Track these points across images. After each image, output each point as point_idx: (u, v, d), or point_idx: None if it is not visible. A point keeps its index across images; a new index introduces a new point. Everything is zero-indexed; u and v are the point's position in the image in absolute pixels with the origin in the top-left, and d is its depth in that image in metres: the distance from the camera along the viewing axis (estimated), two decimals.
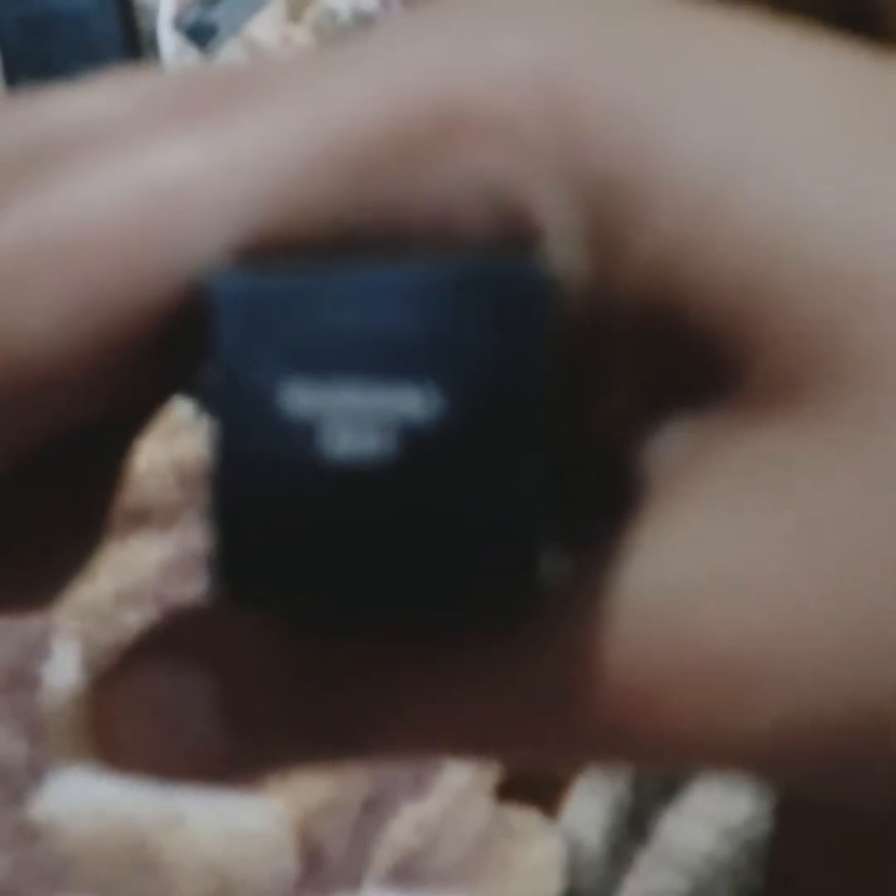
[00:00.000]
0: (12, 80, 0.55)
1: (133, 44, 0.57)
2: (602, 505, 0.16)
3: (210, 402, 0.15)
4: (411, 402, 0.15)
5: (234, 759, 0.17)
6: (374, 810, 0.48)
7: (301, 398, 0.15)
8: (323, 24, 0.60)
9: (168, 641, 0.17)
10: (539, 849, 0.49)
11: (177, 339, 0.15)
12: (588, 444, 0.16)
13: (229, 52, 0.59)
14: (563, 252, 0.15)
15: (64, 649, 0.48)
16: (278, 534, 0.15)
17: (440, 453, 0.15)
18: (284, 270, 0.15)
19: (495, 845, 0.49)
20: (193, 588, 0.49)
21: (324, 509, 0.15)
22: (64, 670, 0.48)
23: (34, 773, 0.47)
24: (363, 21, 0.60)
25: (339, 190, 0.15)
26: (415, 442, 0.15)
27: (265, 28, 0.59)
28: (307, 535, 0.15)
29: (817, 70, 0.16)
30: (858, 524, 0.15)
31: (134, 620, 0.48)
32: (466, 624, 0.16)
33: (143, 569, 0.49)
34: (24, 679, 0.48)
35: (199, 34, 0.59)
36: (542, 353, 0.15)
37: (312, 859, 0.48)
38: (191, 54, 0.58)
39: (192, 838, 0.47)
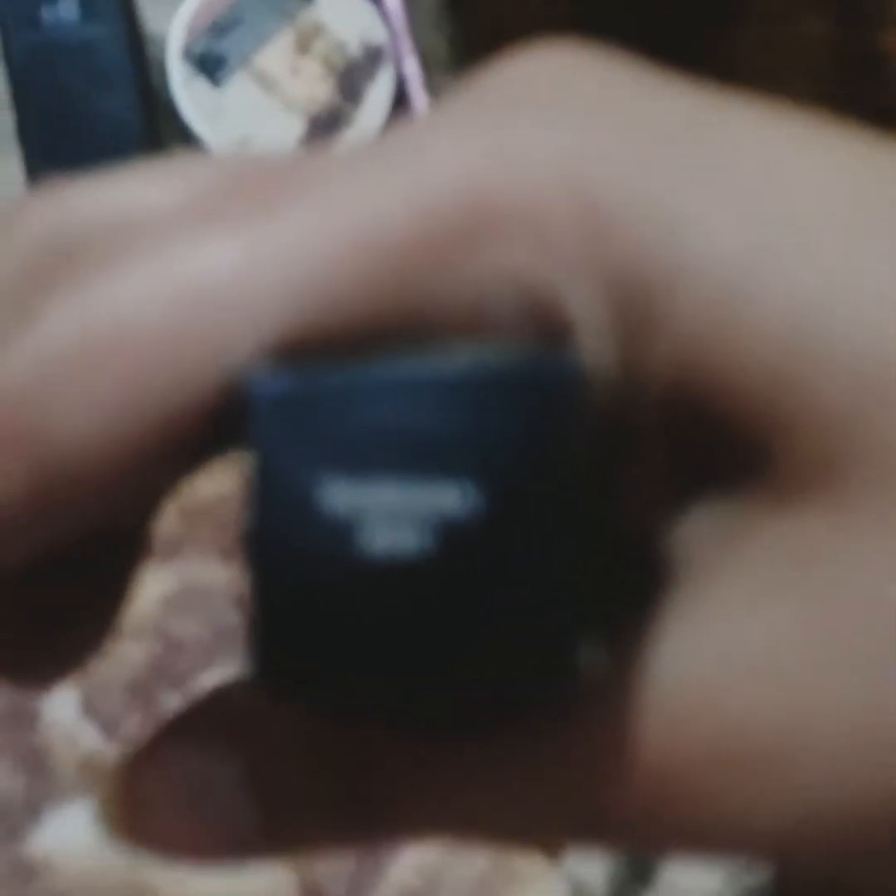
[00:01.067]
0: (21, 108, 0.55)
1: (142, 73, 0.57)
2: (631, 590, 0.16)
3: (248, 497, 0.15)
4: (448, 498, 0.15)
5: (261, 841, 0.17)
6: (374, 853, 0.47)
7: (339, 496, 0.15)
8: (332, 56, 0.60)
9: (198, 723, 0.17)
10: (541, 892, 0.49)
11: (212, 429, 0.15)
12: (617, 530, 0.16)
13: (238, 82, 0.59)
14: (593, 345, 0.15)
15: (63, 684, 0.47)
16: (316, 629, 0.15)
17: (477, 548, 0.15)
18: (320, 370, 0.15)
19: (497, 889, 0.48)
20: (195, 622, 0.49)
21: (361, 605, 0.15)
22: (63, 705, 0.48)
23: (31, 810, 0.47)
24: (372, 54, 0.60)
25: (372, 289, 0.15)
26: (452, 537, 0.15)
27: (274, 59, 0.59)
28: (345, 631, 0.15)
29: (837, 158, 0.16)
30: (886, 613, 0.15)
31: (134, 654, 0.48)
32: (500, 713, 0.16)
33: (144, 602, 0.48)
34: (22, 714, 0.47)
35: (208, 64, 0.59)
36: (575, 446, 0.15)
37: None
38: (199, 84, 0.58)
39: (190, 878, 0.46)
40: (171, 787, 0.17)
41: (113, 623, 0.19)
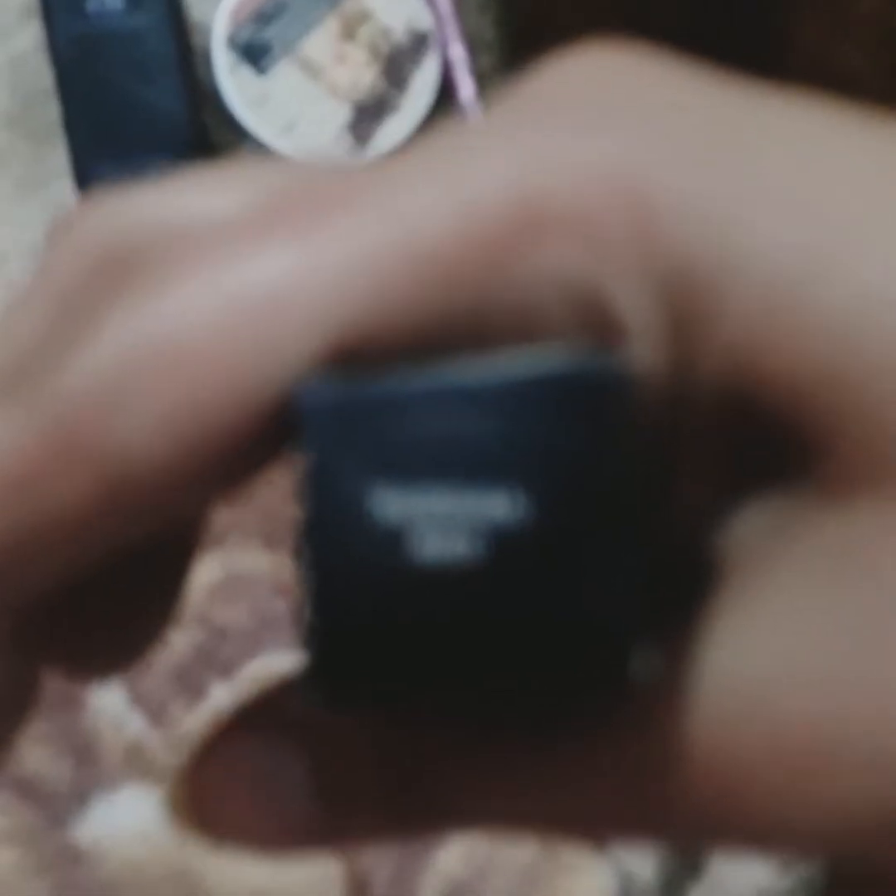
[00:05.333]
0: (67, 98, 0.55)
1: (187, 62, 0.57)
2: (684, 590, 0.16)
3: (300, 505, 0.15)
4: (499, 505, 0.15)
5: (324, 831, 0.17)
6: (421, 841, 0.47)
7: (390, 504, 0.15)
8: (377, 42, 0.60)
9: (263, 716, 0.18)
10: (590, 882, 0.48)
11: (270, 436, 0.16)
12: (670, 529, 0.16)
13: (283, 70, 0.59)
14: (644, 345, 0.15)
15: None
16: (371, 637, 0.15)
17: (530, 553, 0.15)
18: (371, 378, 0.15)
19: (545, 878, 0.48)
20: (239, 610, 0.49)
21: (415, 612, 0.15)
22: (109, 693, 0.48)
23: (78, 796, 0.47)
24: (418, 39, 0.60)
25: (424, 298, 0.15)
26: (504, 544, 0.15)
27: (319, 46, 0.59)
28: (399, 638, 0.15)
29: (884, 153, 0.16)
30: None
31: (179, 642, 0.48)
32: (557, 713, 0.16)
33: (189, 590, 0.48)
34: (69, 702, 0.48)
35: (253, 52, 0.59)
36: (625, 449, 0.15)
37: (359, 889, 0.47)
38: (245, 72, 0.58)
39: (237, 866, 0.46)
40: (237, 778, 0.17)
41: (169, 616, 0.19)
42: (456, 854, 0.48)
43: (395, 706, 0.16)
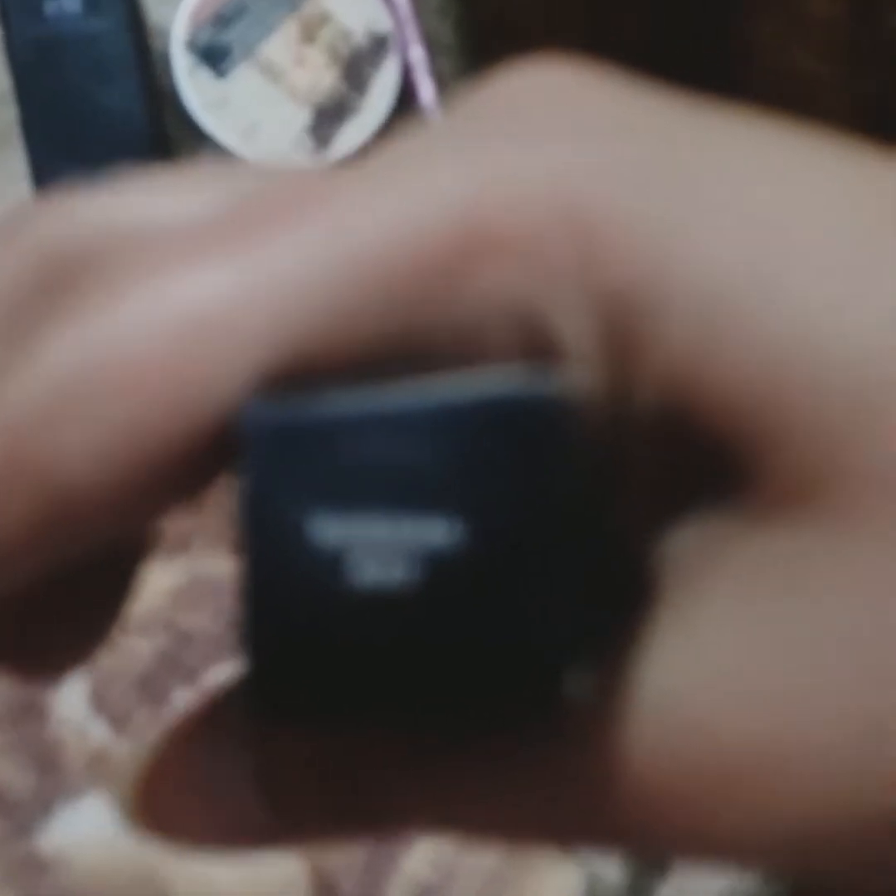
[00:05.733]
0: (25, 101, 0.55)
1: (146, 66, 0.56)
2: (620, 606, 0.16)
3: (239, 527, 0.15)
4: (437, 531, 0.15)
5: (268, 831, 0.18)
6: (387, 845, 0.47)
7: (328, 528, 0.15)
8: (337, 44, 0.60)
9: (210, 722, 0.18)
10: (556, 883, 0.48)
11: (208, 456, 0.16)
12: (608, 548, 0.16)
13: (242, 73, 0.59)
14: (583, 367, 0.15)
15: (72, 678, 0.47)
16: (307, 657, 0.15)
17: (467, 579, 0.15)
18: (313, 400, 0.15)
19: (512, 880, 0.48)
20: (204, 615, 0.48)
21: (352, 635, 0.15)
22: (72, 700, 0.48)
23: (42, 805, 0.46)
24: (378, 42, 0.60)
25: (367, 315, 0.15)
26: (441, 569, 0.15)
27: (279, 49, 0.59)
28: (335, 659, 0.15)
29: (832, 177, 0.16)
30: (866, 631, 0.15)
31: (143, 648, 0.48)
32: (494, 727, 0.16)
33: (153, 596, 0.48)
34: (31, 710, 0.47)
35: (212, 55, 0.58)
36: (565, 472, 0.15)
37: (326, 892, 0.47)
38: (204, 75, 0.58)
39: (203, 872, 0.46)
40: (185, 780, 0.18)
41: (117, 616, 0.19)
42: (423, 856, 0.48)
43: (332, 721, 0.16)
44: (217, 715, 0.18)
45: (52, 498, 0.15)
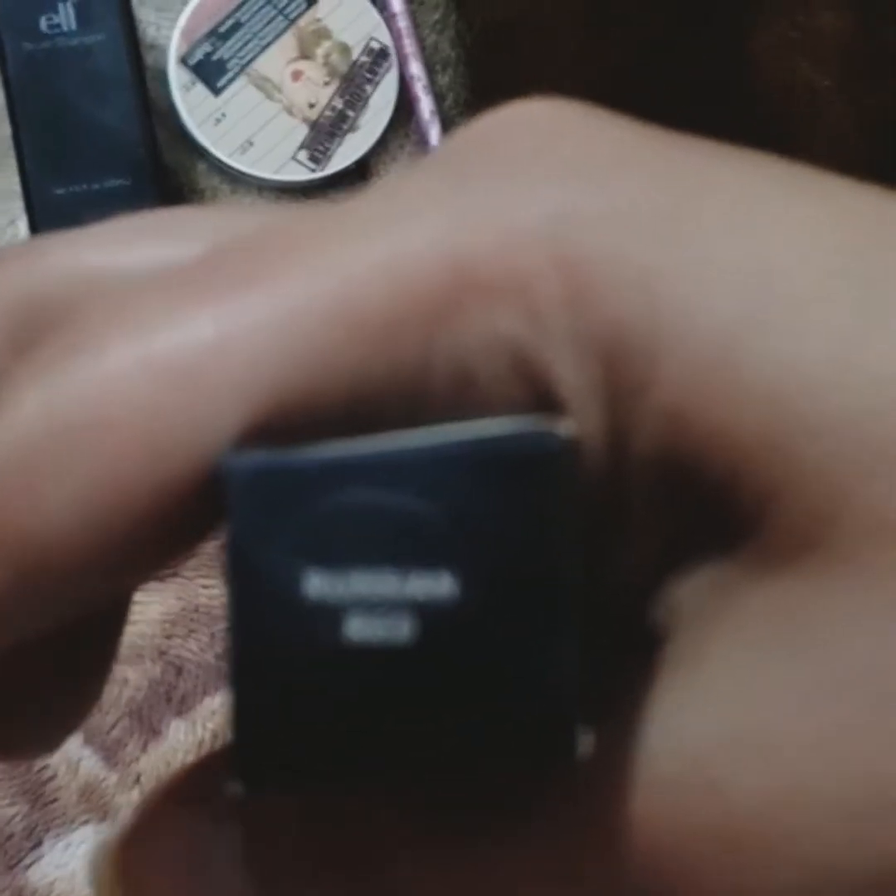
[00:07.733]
0: (19, 117, 0.54)
1: (141, 82, 0.56)
2: (625, 659, 0.16)
3: (226, 580, 0.14)
4: (432, 585, 0.14)
5: None
6: None
7: (317, 582, 0.14)
8: (335, 60, 0.59)
9: (191, 795, 0.17)
10: None
11: (197, 511, 0.15)
12: (609, 599, 0.16)
13: (238, 88, 0.58)
14: (579, 410, 0.15)
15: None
16: (299, 718, 0.14)
17: (463, 634, 0.14)
18: (301, 449, 0.15)
19: None
20: (197, 643, 0.48)
21: (345, 692, 0.14)
22: None
23: (32, 838, 0.46)
24: (376, 57, 0.59)
25: (355, 362, 0.15)
26: (436, 624, 0.14)
27: (275, 65, 0.58)
28: (329, 719, 0.14)
29: (828, 215, 0.15)
30: (875, 684, 0.14)
31: (134, 677, 0.47)
32: (495, 788, 0.15)
33: (144, 623, 0.47)
34: None
35: (208, 71, 0.58)
36: (565, 522, 0.14)
37: None
38: (199, 91, 0.57)
39: None
40: (167, 856, 0.17)
41: (104, 676, 0.19)
42: None
43: (323, 785, 0.16)
44: (196, 785, 0.17)
45: (27, 563, 0.15)
